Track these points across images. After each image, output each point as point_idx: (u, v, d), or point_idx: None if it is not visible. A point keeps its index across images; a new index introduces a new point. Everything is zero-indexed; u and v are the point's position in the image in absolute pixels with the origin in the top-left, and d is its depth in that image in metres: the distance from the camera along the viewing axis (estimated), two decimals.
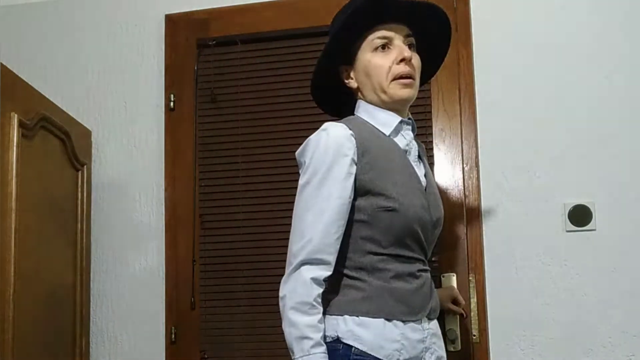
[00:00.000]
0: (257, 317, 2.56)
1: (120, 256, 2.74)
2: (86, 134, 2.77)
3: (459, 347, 2.41)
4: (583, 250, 2.41)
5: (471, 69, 2.55)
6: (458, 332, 2.41)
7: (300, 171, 1.78)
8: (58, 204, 2.53)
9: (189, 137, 2.71)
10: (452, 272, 2.45)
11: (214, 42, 2.73)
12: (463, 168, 2.51)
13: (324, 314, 1.70)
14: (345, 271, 1.74)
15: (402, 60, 1.78)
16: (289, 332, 1.65)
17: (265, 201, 2.62)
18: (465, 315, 2.40)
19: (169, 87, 2.76)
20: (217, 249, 2.66)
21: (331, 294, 1.73)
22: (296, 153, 1.81)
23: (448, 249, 2.47)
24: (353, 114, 1.89)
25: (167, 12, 2.80)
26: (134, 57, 2.83)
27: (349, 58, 1.85)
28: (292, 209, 2.21)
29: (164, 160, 2.73)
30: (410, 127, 1.87)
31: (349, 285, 1.74)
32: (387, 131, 1.82)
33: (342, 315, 1.71)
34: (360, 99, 1.88)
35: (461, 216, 2.48)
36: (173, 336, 2.63)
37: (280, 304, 1.69)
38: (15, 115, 2.25)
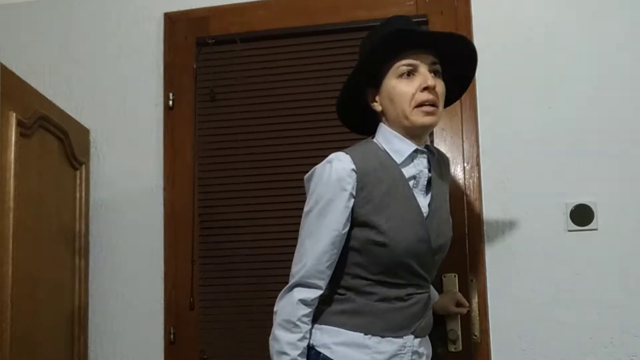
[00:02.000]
0: (256, 317, 2.55)
1: (119, 256, 2.73)
2: (84, 133, 2.76)
3: (460, 348, 2.41)
4: (585, 250, 2.40)
5: None
6: (459, 333, 2.40)
7: (307, 195, 1.89)
8: (56, 203, 2.52)
9: (188, 136, 2.70)
10: (453, 272, 2.44)
11: (213, 40, 2.72)
12: (464, 167, 2.50)
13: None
14: (337, 289, 1.88)
15: (426, 88, 1.82)
16: (272, 345, 1.82)
17: (265, 201, 2.61)
18: (469, 310, 2.39)
19: (168, 85, 2.75)
20: (217, 249, 2.65)
21: (321, 306, 1.87)
22: (305, 177, 1.90)
23: (449, 249, 2.46)
24: (373, 134, 1.96)
25: (166, 11, 2.80)
26: (133, 55, 2.82)
27: (375, 82, 1.91)
28: (291, 209, 2.38)
29: (163, 160, 2.72)
30: (425, 156, 1.92)
31: (337, 300, 1.88)
32: (399, 159, 1.88)
33: (320, 324, 1.86)
34: (383, 122, 1.94)
35: (462, 216, 2.47)
36: (172, 336, 2.62)
37: (273, 317, 1.85)
38: (14, 114, 2.25)
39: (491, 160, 2.50)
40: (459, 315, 2.40)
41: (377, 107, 1.92)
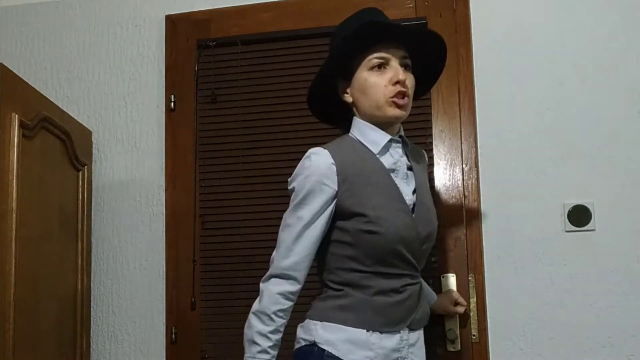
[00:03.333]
0: None
1: (121, 256, 2.75)
2: (87, 134, 2.77)
3: (459, 347, 2.42)
4: (582, 250, 2.41)
5: (471, 70, 2.55)
6: (458, 332, 2.42)
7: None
8: (59, 205, 2.53)
9: (190, 138, 2.72)
10: (451, 272, 2.46)
11: (214, 42, 2.74)
12: (462, 168, 2.52)
13: (306, 318, 1.88)
14: (332, 285, 1.88)
15: (397, 82, 1.86)
16: (245, 333, 1.86)
17: (265, 201, 2.63)
18: (466, 310, 2.40)
19: (170, 87, 2.76)
20: (217, 249, 2.67)
21: (317, 301, 1.89)
22: (289, 180, 1.91)
23: (448, 249, 2.48)
24: (349, 128, 1.97)
25: (167, 13, 2.81)
26: (135, 57, 2.84)
27: (346, 74, 1.93)
28: None
29: (164, 161, 2.74)
30: (400, 145, 1.95)
31: (333, 296, 1.87)
32: (375, 150, 1.90)
33: (320, 321, 1.85)
34: (355, 115, 1.96)
35: (460, 216, 2.49)
36: (173, 336, 2.64)
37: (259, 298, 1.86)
38: (16, 115, 2.26)
39: (489, 161, 2.51)
40: (457, 315, 2.41)
41: (348, 98, 1.94)
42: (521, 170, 2.48)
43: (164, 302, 2.67)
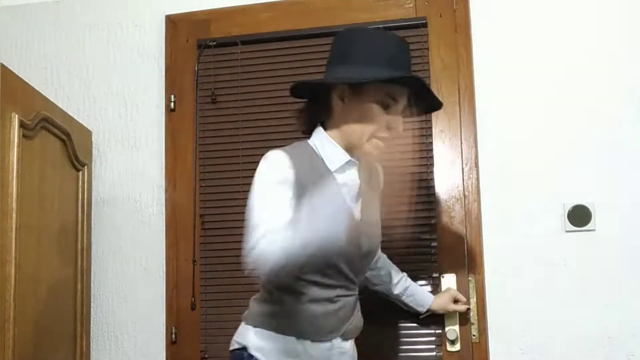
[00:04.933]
0: None
1: (121, 256, 2.75)
2: (87, 134, 2.77)
3: (459, 347, 2.42)
4: (582, 250, 2.41)
5: (470, 70, 2.55)
6: (458, 333, 2.42)
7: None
8: (59, 205, 2.54)
9: (190, 138, 2.72)
10: (451, 272, 2.46)
11: (215, 42, 2.74)
12: (462, 168, 2.52)
13: (242, 321, 1.92)
14: (269, 288, 1.89)
15: (390, 130, 1.83)
16: (301, 242, 1.62)
17: None
18: (469, 309, 2.41)
19: (170, 87, 2.77)
20: (217, 249, 2.67)
21: (253, 302, 1.92)
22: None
23: (447, 249, 2.48)
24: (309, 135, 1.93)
25: (167, 13, 2.81)
26: (135, 57, 2.84)
27: (354, 86, 1.84)
28: None
29: (164, 161, 2.74)
30: (355, 167, 1.89)
31: (267, 300, 1.90)
32: (332, 167, 1.86)
33: (254, 326, 1.88)
34: (322, 126, 1.90)
35: (461, 216, 2.49)
36: (173, 336, 2.64)
37: (258, 267, 1.70)
38: (16, 115, 2.26)
39: (489, 161, 2.51)
40: (457, 316, 2.41)
41: (338, 104, 1.86)
42: (521, 170, 2.48)
43: (164, 302, 2.67)
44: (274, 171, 1.79)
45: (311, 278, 1.83)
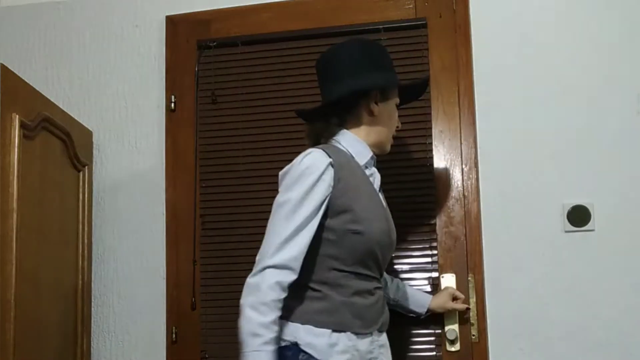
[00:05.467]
0: None
1: (121, 256, 2.75)
2: (87, 134, 2.78)
3: (459, 347, 2.43)
4: (582, 250, 2.42)
5: (470, 70, 2.56)
6: (457, 332, 2.42)
7: (280, 188, 1.93)
8: (59, 205, 2.54)
9: (190, 138, 2.72)
10: (451, 272, 2.46)
11: (215, 43, 2.74)
12: (462, 169, 2.52)
13: (286, 319, 1.87)
14: (310, 284, 1.90)
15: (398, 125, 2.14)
16: (243, 327, 1.79)
17: (266, 202, 2.59)
18: (469, 308, 2.42)
19: (170, 88, 2.77)
20: (218, 249, 2.67)
21: (295, 302, 1.89)
22: (280, 172, 1.95)
23: (447, 249, 2.49)
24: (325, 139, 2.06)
25: (168, 13, 2.82)
26: (135, 58, 2.85)
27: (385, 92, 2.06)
28: None
29: (164, 161, 2.74)
30: (374, 162, 2.08)
31: (312, 297, 1.90)
32: (361, 161, 2.02)
33: (302, 323, 1.87)
34: (349, 128, 2.04)
35: (460, 217, 2.49)
36: (174, 336, 2.64)
37: (242, 300, 1.83)
38: (17, 116, 2.26)
39: (489, 161, 2.51)
40: (457, 315, 2.42)
41: (375, 109, 2.03)
42: (521, 171, 2.48)
43: (164, 302, 2.67)
44: (315, 180, 1.86)
45: (354, 270, 1.91)
